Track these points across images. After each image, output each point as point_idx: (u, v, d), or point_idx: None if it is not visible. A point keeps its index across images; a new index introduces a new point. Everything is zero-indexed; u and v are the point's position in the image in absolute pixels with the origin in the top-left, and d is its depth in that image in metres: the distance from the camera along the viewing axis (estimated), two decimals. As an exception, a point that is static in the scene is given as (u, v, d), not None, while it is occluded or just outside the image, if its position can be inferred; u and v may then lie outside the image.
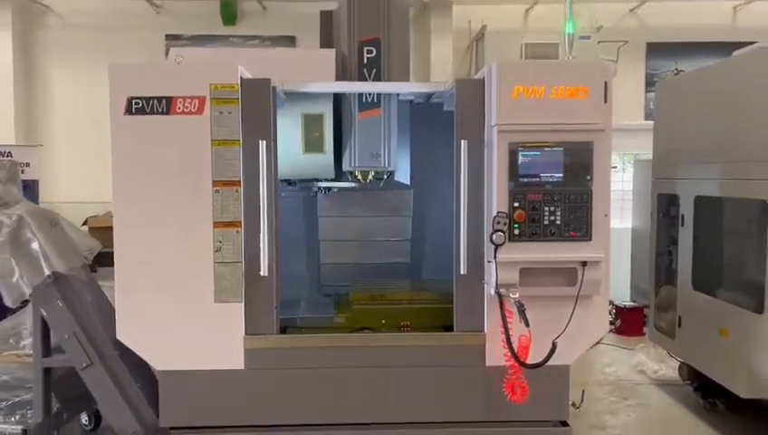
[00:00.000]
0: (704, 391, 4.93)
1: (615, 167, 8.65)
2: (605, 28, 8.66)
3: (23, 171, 7.25)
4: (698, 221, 4.78)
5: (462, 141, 3.45)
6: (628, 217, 8.51)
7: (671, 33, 9.06)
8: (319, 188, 4.27)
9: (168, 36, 9.03)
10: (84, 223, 7.33)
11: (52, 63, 9.12)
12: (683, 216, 4.94)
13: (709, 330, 4.54)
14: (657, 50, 9.14)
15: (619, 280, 8.50)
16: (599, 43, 8.43)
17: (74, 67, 8.98)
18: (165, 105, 3.34)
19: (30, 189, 7.11)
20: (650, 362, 5.85)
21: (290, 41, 9.04)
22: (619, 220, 9.07)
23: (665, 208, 5.35)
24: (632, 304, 7.47)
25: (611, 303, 7.94)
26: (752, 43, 4.74)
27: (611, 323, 7.64)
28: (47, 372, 3.79)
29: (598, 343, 6.82)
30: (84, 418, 4.40)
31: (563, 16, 8.54)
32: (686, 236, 4.90)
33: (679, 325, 5.01)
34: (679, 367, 5.29)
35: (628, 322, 7.23)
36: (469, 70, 8.99)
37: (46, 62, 9.12)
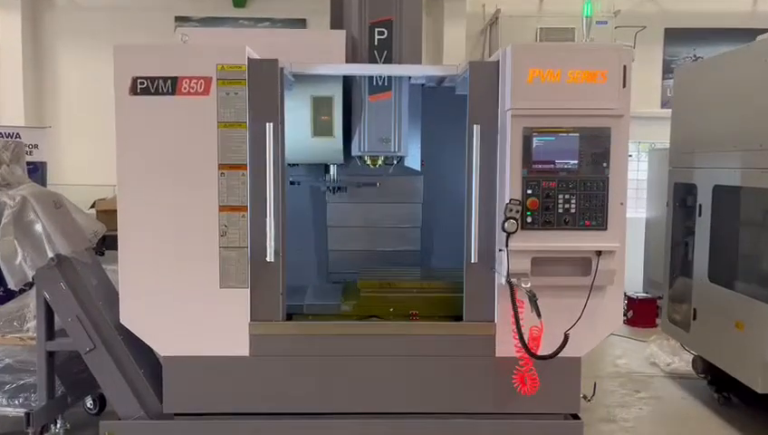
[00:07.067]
0: (718, 384, 4.82)
1: (631, 156, 8.45)
2: (622, 13, 8.47)
3: (31, 153, 7.27)
4: (716, 211, 4.65)
5: (474, 126, 3.36)
6: (643, 207, 8.37)
7: (690, 18, 8.83)
8: (328, 188, 4.25)
9: (177, 18, 8.87)
10: (92, 206, 7.27)
11: (61, 45, 9.00)
12: (700, 206, 4.81)
13: (725, 323, 4.43)
14: (675, 36, 8.92)
15: (632, 271, 8.39)
16: (616, 28, 8.24)
17: (83, 49, 8.85)
18: (170, 85, 3.28)
19: (38, 171, 7.08)
20: (663, 354, 5.72)
21: (300, 23, 8.92)
22: (633, 210, 8.94)
23: (681, 198, 5.23)
24: (645, 295, 7.35)
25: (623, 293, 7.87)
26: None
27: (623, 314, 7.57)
28: (51, 355, 3.78)
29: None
30: (89, 401, 4.37)
31: (579, 0, 8.41)
32: (703, 226, 4.78)
33: (694, 318, 4.90)
34: (693, 360, 5.17)
35: (640, 313, 7.12)
36: (482, 55, 8.83)
37: (55, 44, 9.00)
